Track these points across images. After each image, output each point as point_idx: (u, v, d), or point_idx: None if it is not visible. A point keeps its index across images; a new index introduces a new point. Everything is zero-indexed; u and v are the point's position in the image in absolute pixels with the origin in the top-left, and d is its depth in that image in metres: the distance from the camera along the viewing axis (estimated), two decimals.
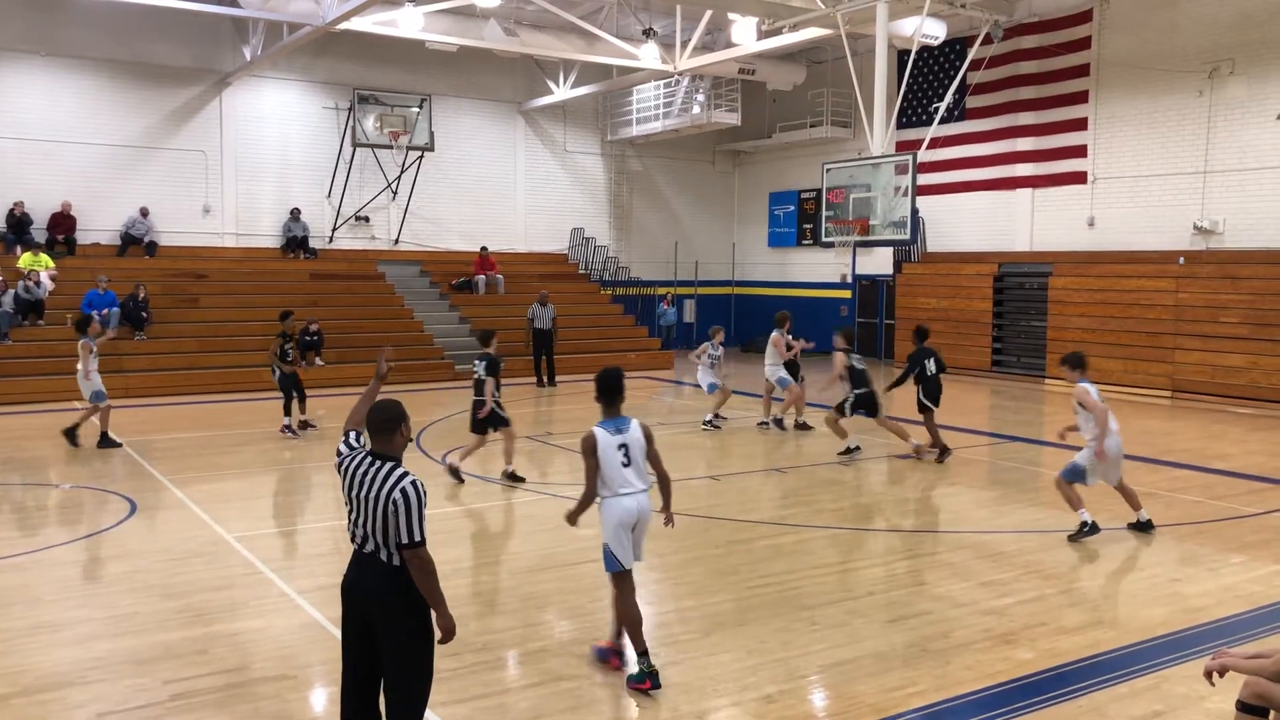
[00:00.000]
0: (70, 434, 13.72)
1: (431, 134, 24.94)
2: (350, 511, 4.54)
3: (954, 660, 6.34)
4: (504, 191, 27.48)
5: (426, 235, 26.20)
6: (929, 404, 13.36)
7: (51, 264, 20.63)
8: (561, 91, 26.34)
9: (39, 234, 21.51)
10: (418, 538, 4.36)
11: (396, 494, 4.34)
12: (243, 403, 18.18)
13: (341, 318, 21.98)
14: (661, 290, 29.25)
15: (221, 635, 6.69)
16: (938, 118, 20.97)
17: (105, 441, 13.66)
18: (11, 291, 19.33)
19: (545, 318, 21.51)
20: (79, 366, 13.74)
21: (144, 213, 22.66)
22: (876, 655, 6.43)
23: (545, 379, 21.28)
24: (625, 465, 6.04)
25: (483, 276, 25.30)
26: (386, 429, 4.52)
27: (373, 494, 4.39)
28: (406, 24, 20.31)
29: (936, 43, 20.88)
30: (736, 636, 6.74)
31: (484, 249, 25.81)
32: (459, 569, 8.31)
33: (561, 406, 18.83)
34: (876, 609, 7.36)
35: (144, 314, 20.26)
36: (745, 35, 21.16)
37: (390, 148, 24.64)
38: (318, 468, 13.17)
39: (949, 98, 21.55)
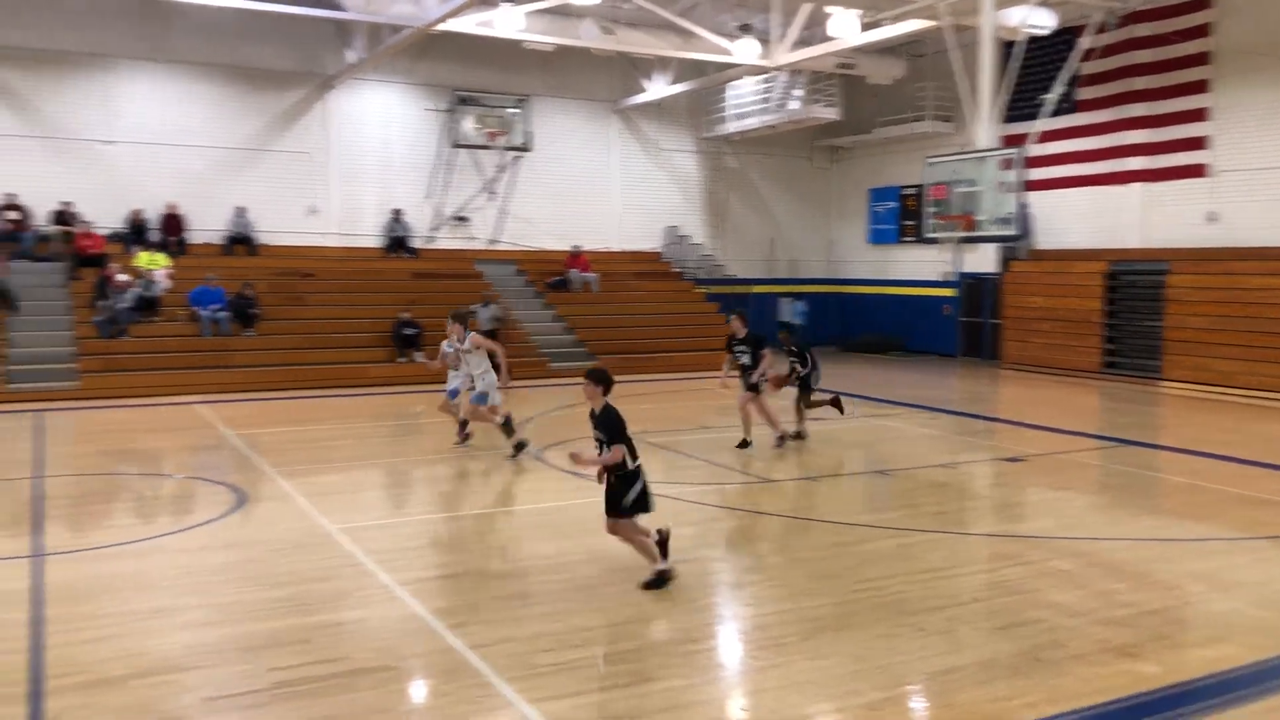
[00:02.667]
0: None
1: (529, 134, 25.15)
2: None
3: (1069, 672, 6.05)
4: (598, 190, 27.57)
5: (522, 234, 26.42)
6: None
7: (167, 263, 21.40)
8: (656, 89, 26.30)
9: (153, 235, 22.34)
10: None
11: None
12: (346, 398, 18.58)
13: (441, 316, 22.23)
14: (758, 289, 28.99)
15: (324, 626, 6.78)
16: (1046, 111, 20.28)
17: None
18: (133, 290, 20.09)
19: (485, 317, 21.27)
20: None
21: (241, 211, 23.34)
22: (984, 664, 6.18)
23: None
24: None
25: (576, 274, 25.42)
26: None
27: None
28: (505, 24, 20.51)
29: (1046, 33, 20.19)
30: (838, 641, 6.56)
31: (577, 248, 25.92)
32: (557, 564, 8.29)
33: (645, 406, 18.76)
34: (983, 616, 7.09)
35: (252, 311, 20.87)
36: (844, 29, 20.79)
37: (488, 148, 24.93)
38: (417, 461, 13.37)
39: (1058, 90, 20.82)
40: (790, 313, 28.61)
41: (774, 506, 10.13)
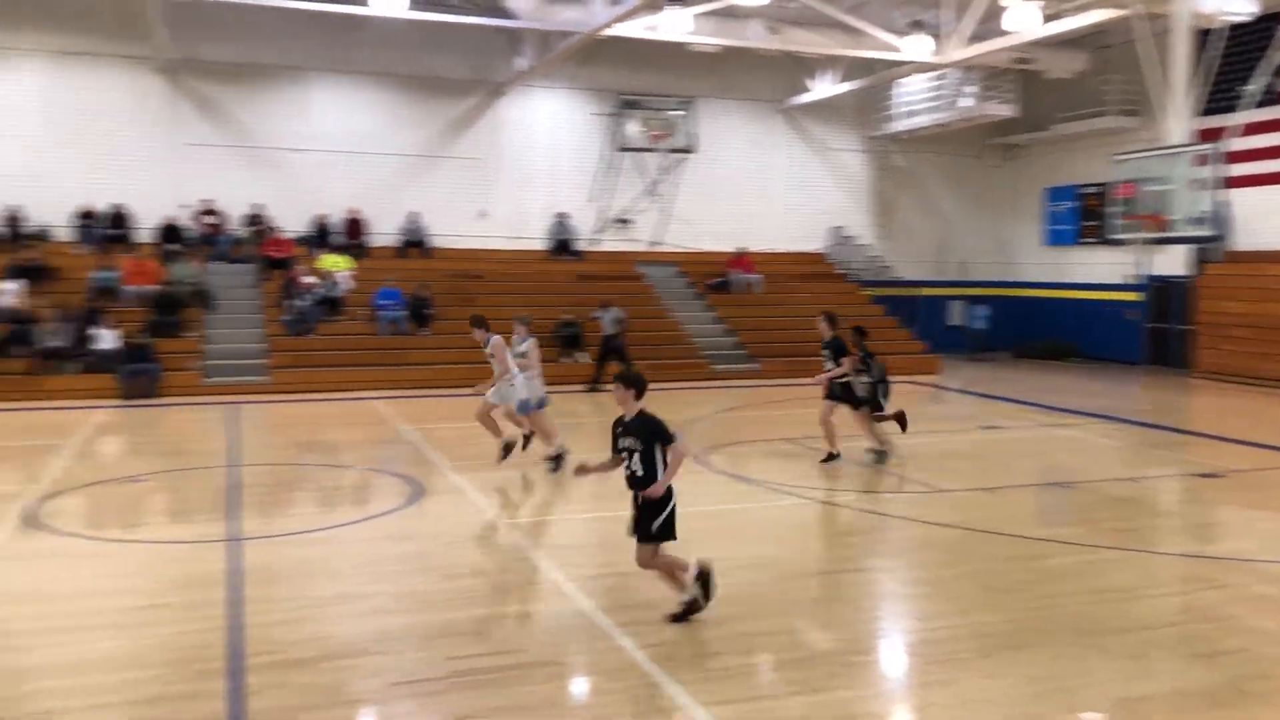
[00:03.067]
0: None
1: (693, 135, 25.25)
2: None
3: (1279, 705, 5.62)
4: (762, 191, 27.41)
5: (684, 236, 26.53)
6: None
7: (349, 265, 22.50)
8: (823, 88, 25.94)
9: (336, 238, 23.56)
10: None
11: None
12: None
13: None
14: (926, 291, 28.20)
15: (497, 618, 6.97)
16: (1247, 103, 18.93)
17: None
18: (318, 291, 21.23)
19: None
20: None
21: (415, 216, 24.29)
22: (1180, 692, 5.80)
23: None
24: None
25: (738, 276, 25.34)
26: None
27: None
28: (671, 27, 20.63)
29: (1247, 19, 18.85)
30: (1016, 661, 6.29)
31: (741, 249, 25.83)
32: (720, 568, 8.26)
33: (808, 411, 18.45)
34: (1176, 641, 6.66)
35: (427, 311, 21.70)
36: (1023, 22, 19.97)
37: (652, 150, 25.16)
38: (586, 460, 13.57)
39: (1260, 80, 19.40)
40: (969, 317, 27.74)
41: (944, 517, 9.80)
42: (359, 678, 5.93)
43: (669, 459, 6.69)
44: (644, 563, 6.81)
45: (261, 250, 22.62)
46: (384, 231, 24.22)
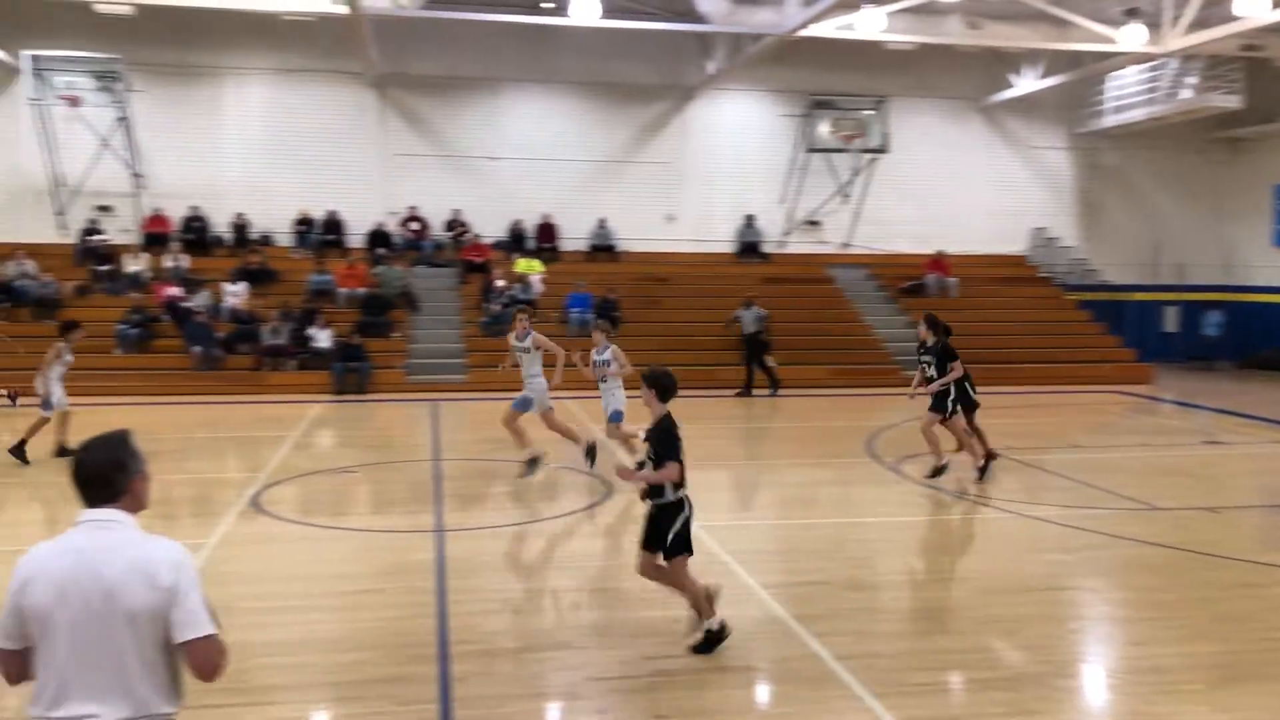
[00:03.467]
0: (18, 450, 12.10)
1: (886, 135, 24.66)
2: None
3: None
4: (958, 191, 26.45)
5: (875, 238, 25.92)
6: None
7: (541, 269, 23.16)
8: (1025, 84, 24.81)
9: (529, 243, 24.30)
10: None
11: None
12: (699, 399, 19.10)
13: (792, 320, 22.38)
14: (1137, 296, 26.52)
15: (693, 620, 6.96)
16: None
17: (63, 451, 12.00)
18: (509, 293, 21.95)
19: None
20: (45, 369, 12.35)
21: (603, 221, 24.72)
22: None
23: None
24: None
25: (934, 279, 24.55)
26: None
27: None
28: (866, 26, 20.23)
29: None
30: (1252, 694, 5.79)
31: (940, 252, 24.99)
32: (911, 580, 8.01)
33: (1008, 421, 17.67)
34: None
35: (615, 314, 22.05)
36: (1253, 6, 18.49)
37: (843, 151, 24.72)
38: (769, 465, 13.47)
39: None
40: (1200, 323, 26.03)
41: (1161, 536, 9.16)
42: (558, 670, 6.06)
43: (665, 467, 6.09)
44: (644, 571, 6.38)
45: (461, 255, 23.59)
46: (574, 236, 24.79)
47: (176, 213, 23.06)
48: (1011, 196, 26.70)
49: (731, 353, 21.47)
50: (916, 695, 5.69)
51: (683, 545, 6.22)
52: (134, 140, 22.21)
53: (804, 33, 20.07)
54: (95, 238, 22.35)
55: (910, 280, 24.72)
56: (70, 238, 22.45)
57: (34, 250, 21.50)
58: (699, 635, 6.24)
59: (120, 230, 22.81)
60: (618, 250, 24.85)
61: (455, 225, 24.10)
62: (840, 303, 24.14)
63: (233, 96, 23.64)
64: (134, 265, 21.70)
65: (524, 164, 24.64)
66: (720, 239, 25.52)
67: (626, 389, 11.08)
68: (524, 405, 11.61)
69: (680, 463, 6.19)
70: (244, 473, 12.29)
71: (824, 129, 24.51)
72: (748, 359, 20.30)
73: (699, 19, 21.54)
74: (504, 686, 5.79)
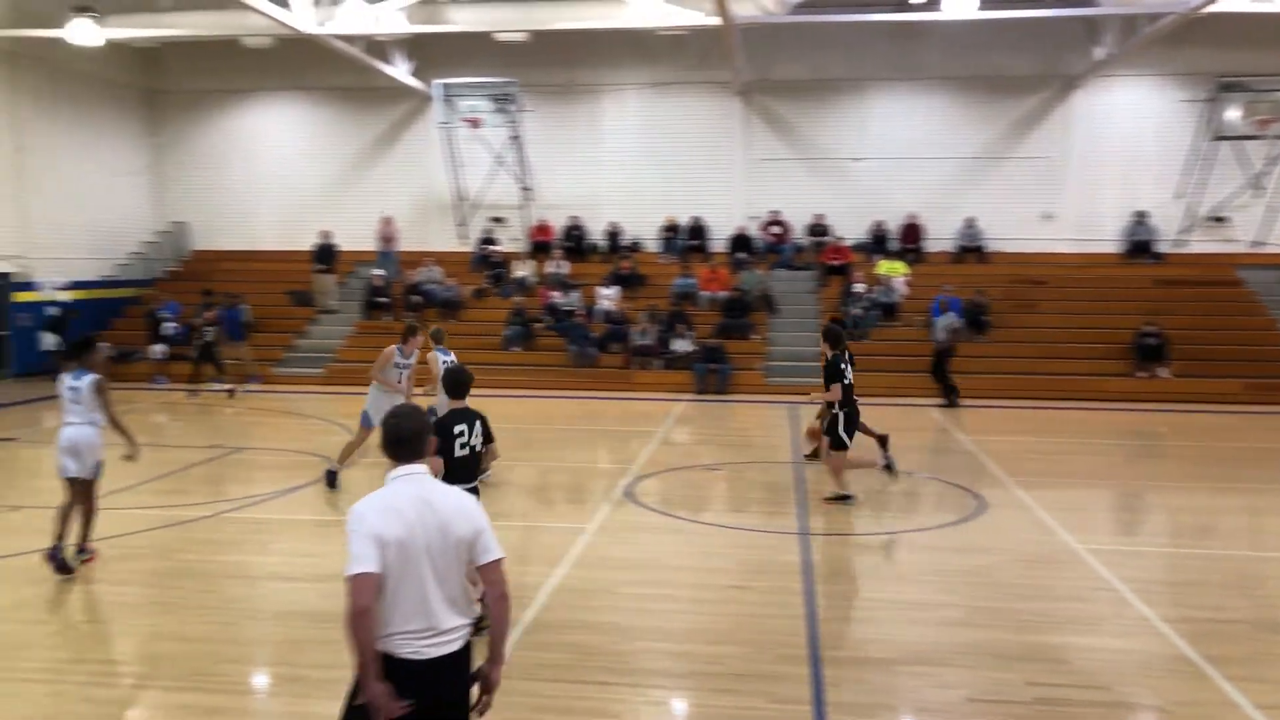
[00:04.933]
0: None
1: None
2: None
3: None
4: None
5: None
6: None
7: (905, 271, 22.51)
8: None
9: (892, 244, 23.69)
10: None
11: None
12: (1082, 410, 17.70)
13: (1189, 327, 20.14)
14: None
15: (1080, 649, 6.39)
16: None
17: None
18: (870, 296, 21.53)
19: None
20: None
21: (971, 222, 23.51)
22: None
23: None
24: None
25: None
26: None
27: None
28: None
29: None
30: None
31: None
32: None
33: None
34: None
35: (984, 318, 20.96)
36: None
37: (1258, 138, 21.87)
38: (1162, 487, 12.16)
39: None
40: None
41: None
42: (934, 687, 5.78)
43: None
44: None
45: (821, 257, 23.48)
46: (940, 237, 23.86)
47: (558, 222, 24.89)
48: None
49: (1115, 361, 19.77)
50: None
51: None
52: (524, 156, 24.23)
53: (1211, 9, 17.95)
54: (490, 246, 24.65)
55: None
56: (469, 246, 24.93)
57: (440, 258, 24.09)
58: None
59: (511, 239, 24.99)
60: (987, 251, 23.61)
61: (816, 228, 24.03)
62: (1254, 308, 21.36)
63: (610, 111, 25.10)
64: (522, 271, 23.68)
65: (888, 164, 24.07)
66: (1105, 238, 23.45)
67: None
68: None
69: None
70: (615, 464, 12.95)
71: (1234, 114, 21.78)
72: (933, 369, 18.92)
73: (1088, 2, 19.94)
74: (878, 696, 5.61)
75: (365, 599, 3.45)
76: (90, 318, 22.35)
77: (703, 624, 6.84)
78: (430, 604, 3.55)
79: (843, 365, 10.20)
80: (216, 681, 5.89)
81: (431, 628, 3.56)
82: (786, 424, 16.13)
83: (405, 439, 3.72)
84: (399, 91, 24.44)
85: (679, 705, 5.76)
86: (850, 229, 23.88)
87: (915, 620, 6.90)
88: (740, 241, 23.98)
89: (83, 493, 8.00)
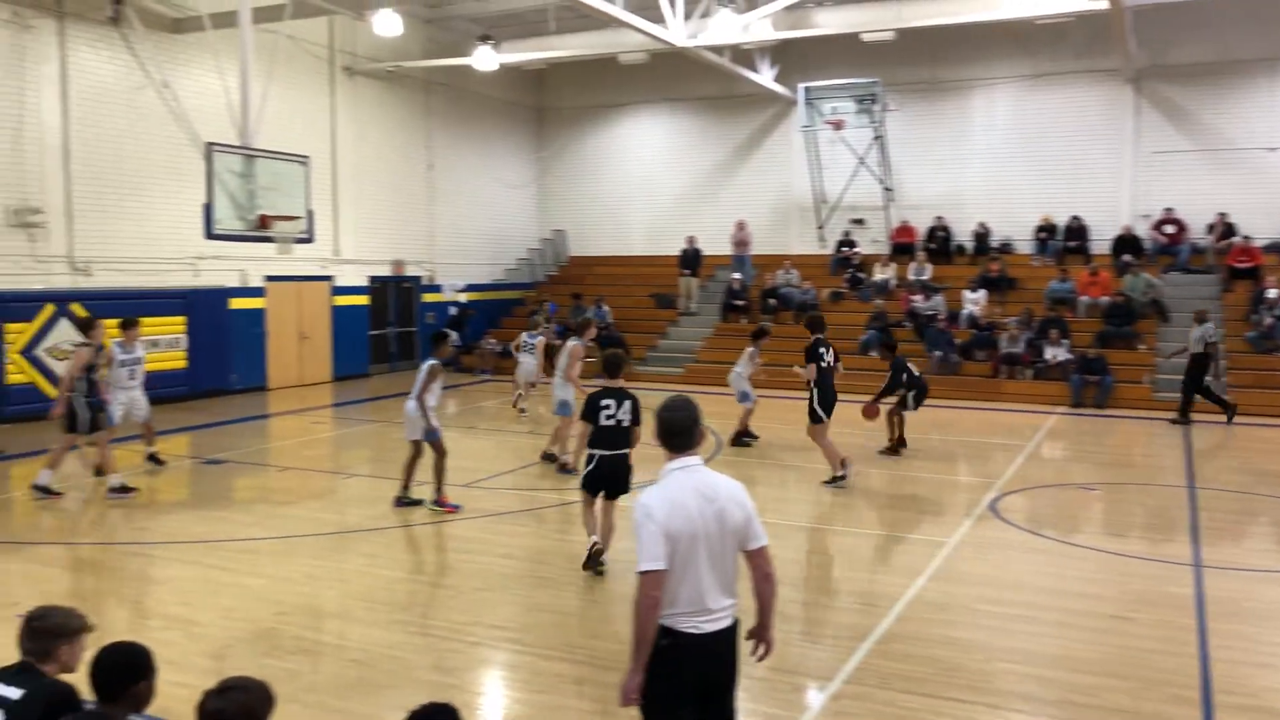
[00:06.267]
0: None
1: None
2: None
3: None
4: None
5: None
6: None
7: None
8: None
9: None
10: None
11: None
12: None
13: None
14: None
15: None
16: None
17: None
18: None
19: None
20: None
21: None
22: None
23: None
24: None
25: None
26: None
27: None
28: None
29: None
30: None
31: None
32: None
33: None
34: None
35: None
36: None
37: None
38: None
39: None
40: None
41: None
42: None
43: None
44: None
45: (1225, 260, 20.95)
46: None
47: (921, 223, 24.13)
48: None
49: None
50: None
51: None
52: (886, 157, 23.73)
53: None
54: (848, 249, 24.40)
55: None
56: (827, 249, 24.82)
57: (797, 261, 24.19)
58: None
59: (870, 241, 24.57)
60: None
61: (1220, 227, 21.46)
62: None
63: (979, 107, 23.95)
64: (882, 274, 23.21)
65: None
66: None
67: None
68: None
69: None
70: (977, 478, 12.31)
71: None
72: (1186, 384, 16.45)
73: None
74: None
75: (656, 592, 3.66)
76: (484, 316, 24.81)
77: (1074, 651, 6.32)
78: (704, 587, 3.73)
79: (821, 349, 11.29)
80: (584, 653, 6.29)
81: (706, 609, 3.74)
82: (1177, 443, 14.56)
83: (680, 430, 3.87)
84: (761, 97, 24.85)
85: None
86: (1260, 228, 21.13)
87: None
88: (1126, 242, 21.97)
89: (415, 453, 9.83)
